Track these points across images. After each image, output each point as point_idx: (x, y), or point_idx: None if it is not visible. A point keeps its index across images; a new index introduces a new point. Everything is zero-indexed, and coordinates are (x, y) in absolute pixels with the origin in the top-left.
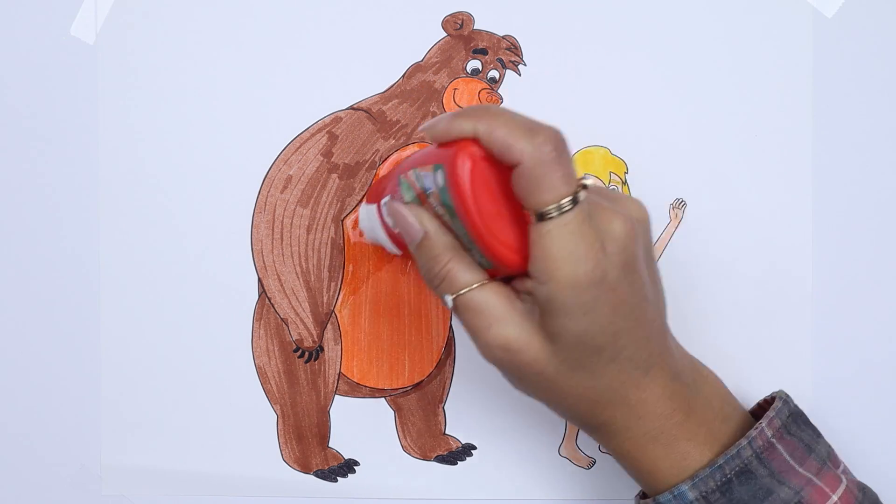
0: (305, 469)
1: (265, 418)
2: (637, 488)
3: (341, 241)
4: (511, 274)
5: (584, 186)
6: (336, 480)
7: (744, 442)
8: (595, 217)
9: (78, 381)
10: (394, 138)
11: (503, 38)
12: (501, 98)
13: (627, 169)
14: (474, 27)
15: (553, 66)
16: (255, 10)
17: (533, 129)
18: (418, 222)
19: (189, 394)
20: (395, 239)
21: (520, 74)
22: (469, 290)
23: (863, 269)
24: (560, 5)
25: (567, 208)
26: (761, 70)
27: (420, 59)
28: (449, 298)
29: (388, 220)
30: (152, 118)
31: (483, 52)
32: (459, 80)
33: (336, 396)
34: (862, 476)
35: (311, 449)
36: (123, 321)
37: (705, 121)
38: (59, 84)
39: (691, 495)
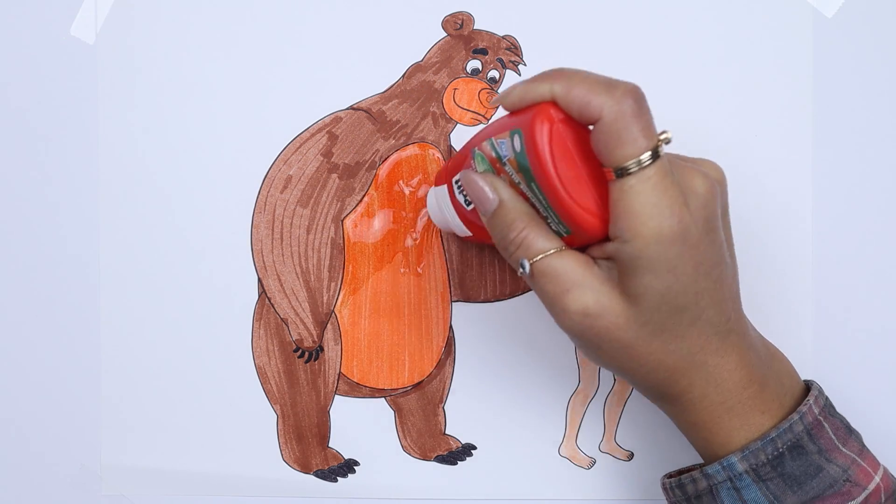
0: (305, 469)
1: (265, 418)
2: (660, 473)
3: (341, 241)
4: (588, 241)
5: (667, 140)
6: (336, 480)
7: (795, 417)
8: (676, 173)
9: (78, 381)
10: (394, 138)
11: (503, 38)
12: None
13: None
14: (474, 27)
15: (553, 66)
16: (255, 10)
17: (611, 83)
18: (493, 190)
19: (189, 394)
20: (467, 218)
21: (520, 74)
22: (546, 256)
23: (863, 268)
24: (560, 5)
25: (648, 163)
26: (761, 70)
27: (420, 59)
28: (526, 263)
29: (459, 198)
30: (152, 118)
31: (483, 52)
32: (459, 80)
33: (336, 396)
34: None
35: (311, 449)
36: (123, 321)
37: (705, 120)
38: (59, 84)
39: (741, 467)
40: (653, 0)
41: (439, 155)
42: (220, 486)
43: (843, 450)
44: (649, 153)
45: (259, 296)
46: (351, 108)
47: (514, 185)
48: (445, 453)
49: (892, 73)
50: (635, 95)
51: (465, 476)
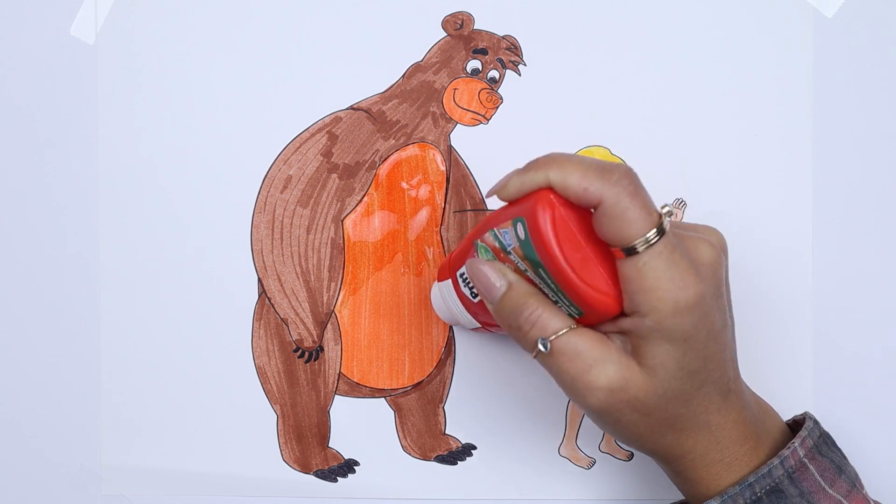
0: (305, 469)
1: (265, 418)
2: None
3: (341, 241)
4: (601, 319)
5: (669, 214)
6: (336, 480)
7: (776, 461)
8: (683, 245)
9: (78, 381)
10: (394, 138)
11: (503, 38)
12: (501, 98)
13: None
14: (474, 27)
15: (553, 66)
16: (255, 11)
17: (606, 167)
18: (500, 276)
19: (189, 394)
20: (475, 310)
21: (520, 74)
22: (563, 334)
23: (863, 268)
24: (560, 5)
25: (655, 239)
26: (761, 70)
27: (420, 59)
28: (547, 342)
29: (465, 291)
30: (152, 118)
31: (483, 52)
32: (459, 80)
33: (336, 396)
34: (860, 476)
35: (311, 449)
36: (123, 321)
37: (705, 121)
38: (59, 84)
39: None
40: (653, 0)
41: (440, 155)
42: (220, 486)
43: (830, 491)
44: (655, 230)
45: (259, 296)
46: (351, 108)
47: (519, 272)
48: (445, 453)
49: (892, 73)
50: (630, 176)
51: (465, 476)
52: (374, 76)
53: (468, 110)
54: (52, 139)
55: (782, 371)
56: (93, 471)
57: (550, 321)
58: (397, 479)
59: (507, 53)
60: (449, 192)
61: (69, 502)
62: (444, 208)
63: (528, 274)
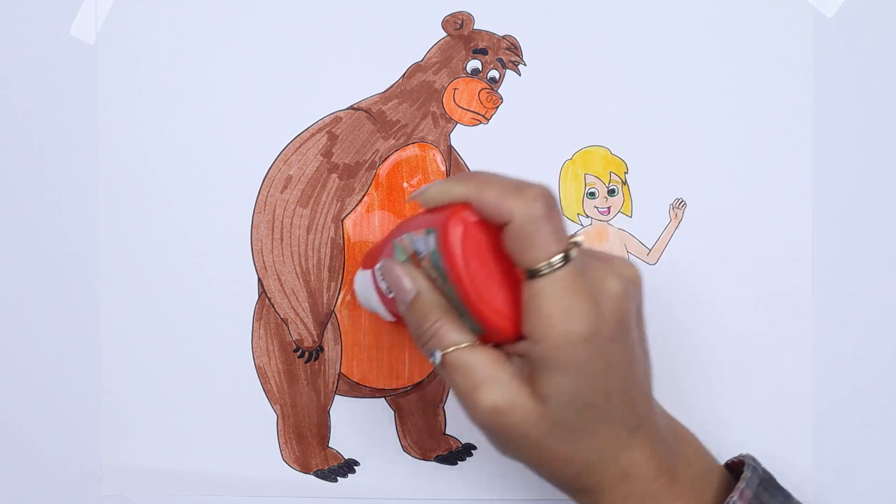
0: (305, 469)
1: (265, 418)
2: None
3: (341, 241)
4: (500, 340)
5: (577, 244)
6: (336, 480)
7: None
8: (588, 275)
9: (78, 381)
10: (394, 138)
11: (503, 38)
12: (502, 98)
13: (627, 169)
14: (474, 27)
15: (553, 66)
16: (255, 10)
17: (522, 187)
18: (411, 281)
19: (189, 394)
20: (389, 305)
21: (520, 74)
22: (457, 349)
23: (863, 269)
24: (560, 5)
25: (559, 265)
26: (761, 70)
27: (420, 59)
28: (438, 354)
29: (382, 285)
30: (152, 118)
31: (483, 52)
32: (459, 80)
33: (336, 396)
34: (862, 477)
35: (311, 449)
36: (123, 321)
37: (705, 121)
38: (59, 84)
39: None
40: (653, 0)
41: (440, 155)
42: (220, 486)
43: None
44: (561, 255)
45: (259, 296)
46: (351, 108)
47: (430, 279)
48: (445, 453)
49: (892, 73)
50: (546, 199)
51: (465, 476)
52: (374, 76)
53: (468, 110)
54: (52, 139)
55: (782, 371)
56: (93, 471)
57: (448, 334)
58: (397, 479)
59: (507, 53)
60: None
61: (69, 502)
62: None
63: (438, 283)
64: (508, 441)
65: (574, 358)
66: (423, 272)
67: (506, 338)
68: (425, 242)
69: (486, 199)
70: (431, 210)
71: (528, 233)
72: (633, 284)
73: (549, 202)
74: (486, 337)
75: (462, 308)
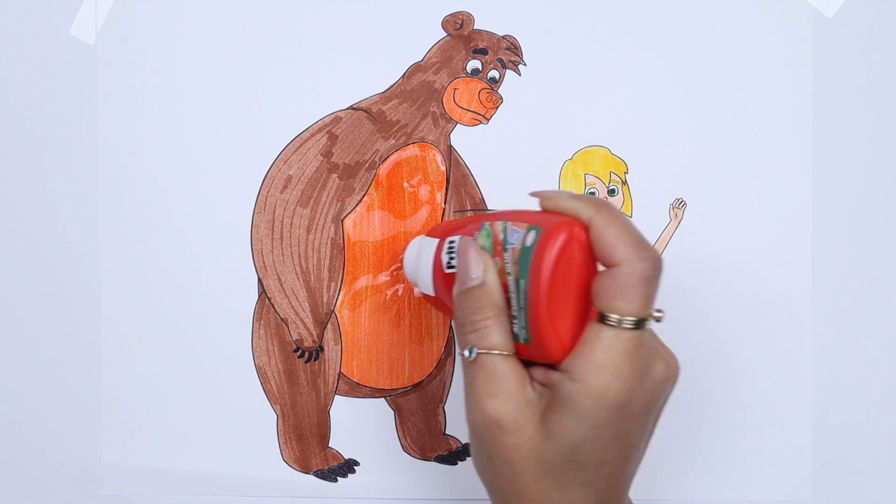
0: (305, 469)
1: (265, 418)
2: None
3: (341, 241)
4: (541, 359)
5: (657, 319)
6: (336, 480)
7: None
8: (646, 350)
9: (78, 381)
10: (394, 138)
11: (503, 38)
12: (501, 98)
13: (627, 169)
14: (474, 27)
15: (553, 66)
16: (254, 11)
17: (642, 242)
18: (482, 268)
19: (189, 394)
20: (439, 280)
21: (520, 74)
22: (493, 353)
23: (863, 269)
24: (560, 5)
25: (629, 326)
26: (761, 70)
27: (420, 59)
28: (475, 351)
29: (444, 257)
30: (152, 118)
31: (483, 51)
32: (459, 79)
33: (336, 396)
34: (860, 476)
35: (311, 449)
36: (123, 321)
37: (705, 121)
38: (59, 84)
39: None
40: (653, 1)
41: (440, 155)
42: (220, 486)
43: None
44: (635, 319)
45: (259, 296)
46: (351, 108)
47: (502, 275)
48: (445, 453)
49: (892, 73)
50: (656, 263)
51: (465, 476)
52: (374, 76)
53: (468, 110)
54: (52, 139)
55: (782, 371)
56: (93, 471)
57: (492, 336)
58: (397, 479)
59: (507, 53)
60: (449, 191)
61: (69, 502)
62: (444, 208)
63: (509, 279)
64: (491, 457)
65: (596, 413)
66: (498, 264)
67: (548, 359)
68: (522, 237)
69: (608, 233)
70: (544, 212)
71: (626, 284)
72: (672, 379)
73: (658, 267)
74: (528, 349)
75: (520, 312)
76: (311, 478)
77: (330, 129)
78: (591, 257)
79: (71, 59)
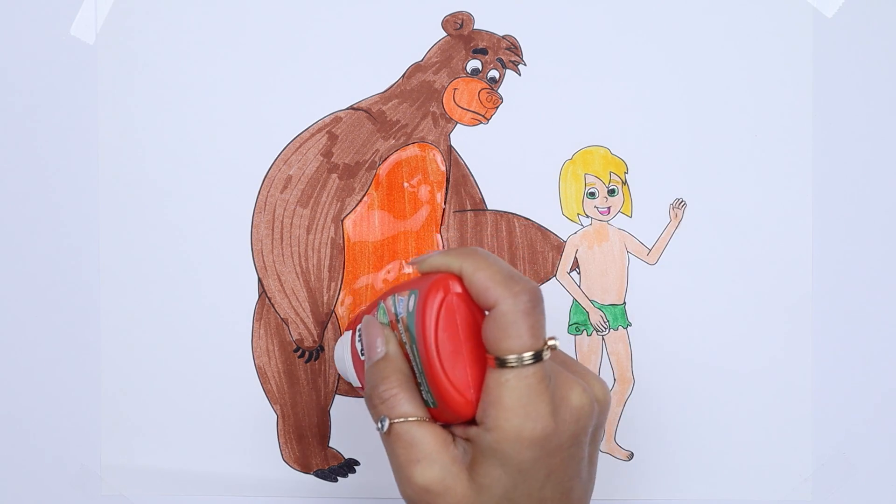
0: (305, 469)
1: (265, 418)
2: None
3: (341, 241)
4: (453, 419)
5: (552, 347)
6: (336, 480)
7: None
8: (555, 380)
9: (78, 381)
10: (394, 138)
11: (503, 38)
12: (501, 98)
13: (627, 169)
14: (474, 27)
15: (553, 66)
16: (255, 11)
17: (513, 278)
18: (383, 342)
19: (189, 394)
20: (359, 369)
21: (520, 74)
22: (406, 421)
23: (863, 269)
24: (560, 5)
25: (528, 362)
26: (761, 70)
27: (420, 59)
28: (386, 422)
29: (357, 346)
30: (152, 118)
31: (483, 51)
32: (459, 79)
33: (336, 396)
34: (860, 476)
35: (311, 449)
36: (123, 321)
37: (705, 121)
38: (59, 84)
39: None
40: (653, 1)
41: (440, 155)
42: (220, 486)
43: None
44: (532, 353)
45: (259, 296)
46: (351, 108)
47: (402, 345)
48: None
49: (893, 73)
50: (532, 295)
51: None
52: (374, 76)
53: (468, 110)
54: (52, 139)
55: (782, 371)
56: (93, 471)
57: (401, 404)
58: None
59: (507, 53)
60: (449, 191)
61: (69, 502)
62: (444, 208)
63: (407, 348)
64: None
65: (518, 456)
66: (397, 336)
67: (459, 416)
68: (406, 304)
69: (478, 279)
70: (424, 275)
71: (507, 323)
72: (599, 403)
73: (534, 298)
74: (439, 412)
75: (422, 377)
76: (311, 478)
77: (330, 129)
78: (476, 306)
79: (71, 59)
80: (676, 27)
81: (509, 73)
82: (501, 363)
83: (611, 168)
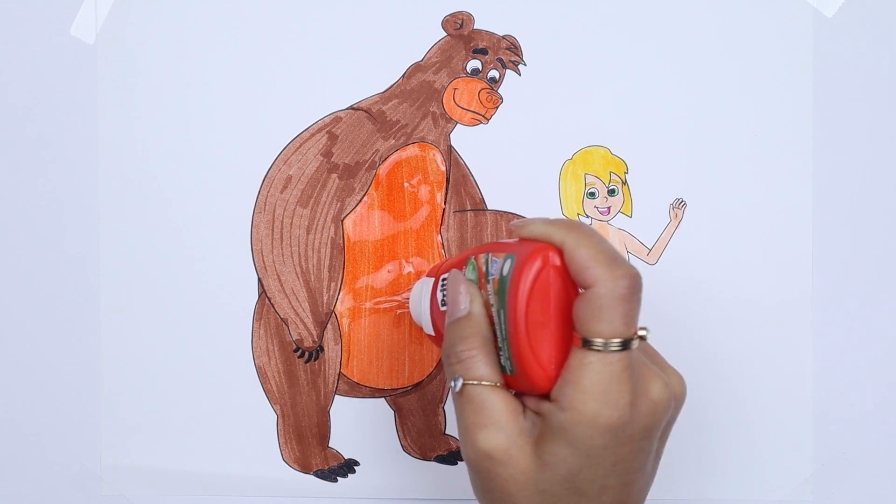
0: (305, 469)
1: (265, 418)
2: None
3: (341, 241)
4: (528, 390)
5: (642, 338)
6: (336, 480)
7: None
8: (638, 371)
9: (78, 381)
10: (394, 138)
11: (503, 37)
12: (501, 98)
13: (627, 169)
14: (474, 27)
15: (553, 66)
16: (254, 10)
17: (616, 260)
18: (468, 299)
19: (189, 394)
20: (437, 318)
21: (520, 74)
22: (480, 384)
23: (863, 269)
24: (560, 5)
25: (615, 348)
26: (761, 70)
27: (420, 59)
28: (460, 382)
29: (438, 296)
30: (152, 118)
31: (483, 51)
32: (459, 79)
33: (336, 396)
34: (860, 476)
35: (311, 449)
36: (123, 321)
37: (705, 121)
38: (59, 84)
39: None
40: (653, 0)
41: (440, 155)
42: (220, 486)
43: None
44: (621, 340)
45: (259, 296)
46: (351, 108)
47: (486, 306)
48: (445, 453)
49: (893, 73)
50: (633, 281)
51: (465, 476)
52: (374, 76)
53: (468, 110)
54: (52, 139)
55: (782, 371)
56: (93, 471)
57: (477, 367)
58: (397, 479)
59: (507, 53)
60: (449, 192)
61: (69, 502)
62: (444, 208)
63: (493, 310)
64: (489, 488)
65: (589, 441)
66: (483, 296)
67: (534, 389)
68: (500, 266)
69: (579, 256)
70: (522, 241)
71: (602, 306)
72: (675, 399)
73: (634, 285)
74: (515, 380)
75: (504, 343)
76: (311, 478)
77: (330, 129)
78: (572, 282)
79: (71, 59)
80: (676, 27)
81: (509, 73)
82: (588, 344)
83: (611, 168)
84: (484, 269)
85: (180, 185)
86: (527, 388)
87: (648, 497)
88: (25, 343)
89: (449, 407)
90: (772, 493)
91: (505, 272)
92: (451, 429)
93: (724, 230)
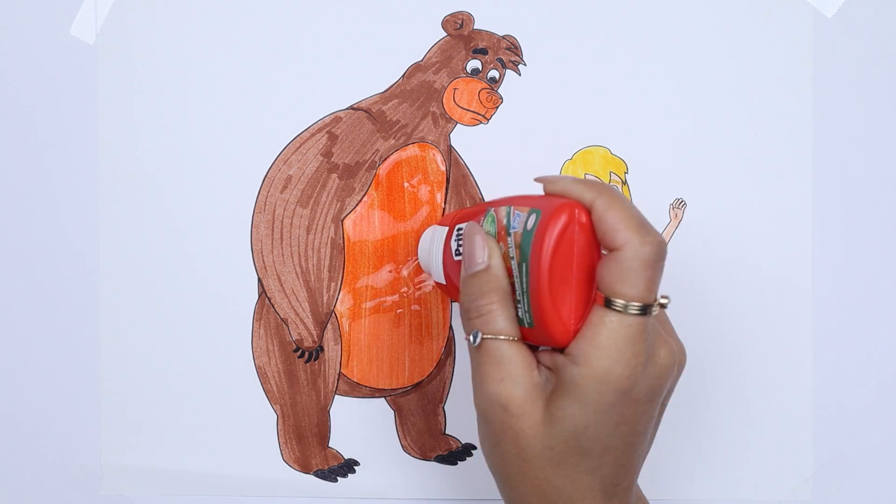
0: (305, 469)
1: (265, 418)
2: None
3: (341, 241)
4: (545, 343)
5: (662, 305)
6: (336, 480)
7: None
8: (652, 336)
9: (78, 381)
10: (393, 138)
11: (503, 37)
12: (501, 98)
13: (627, 169)
14: (474, 27)
15: (553, 66)
16: (255, 11)
17: (646, 226)
18: (486, 253)
19: (189, 394)
20: (449, 268)
21: (520, 74)
22: (499, 338)
23: (863, 268)
24: (560, 5)
25: (635, 312)
26: (761, 70)
27: (420, 59)
28: (479, 336)
29: (453, 245)
30: (152, 118)
31: (483, 51)
32: (459, 79)
33: (336, 396)
34: (860, 476)
35: (311, 449)
36: (123, 321)
37: (705, 121)
38: (59, 84)
39: None
40: (653, 0)
41: (440, 155)
42: (220, 486)
43: None
44: (641, 305)
45: (259, 296)
46: (351, 108)
47: (506, 259)
48: (445, 453)
49: (893, 73)
50: (659, 248)
51: (465, 476)
52: (374, 76)
53: (468, 110)
54: (52, 139)
55: (782, 371)
56: (93, 471)
57: (496, 321)
58: (397, 479)
59: (507, 53)
60: (449, 191)
61: (69, 502)
62: (444, 208)
63: (512, 264)
64: (499, 441)
65: (598, 397)
66: (502, 248)
67: (553, 343)
68: (524, 220)
69: (610, 217)
70: (547, 196)
71: (628, 269)
72: (678, 366)
73: (660, 252)
74: (533, 333)
75: (524, 296)
76: (311, 478)
77: (330, 129)
78: (595, 241)
79: (71, 59)
80: (676, 27)
81: (509, 73)
82: (609, 304)
83: (611, 168)
84: (504, 222)
85: (180, 185)
86: (544, 341)
87: (650, 497)
88: (25, 343)
89: (449, 407)
90: (772, 493)
91: (529, 226)
92: (451, 429)
93: (724, 230)
